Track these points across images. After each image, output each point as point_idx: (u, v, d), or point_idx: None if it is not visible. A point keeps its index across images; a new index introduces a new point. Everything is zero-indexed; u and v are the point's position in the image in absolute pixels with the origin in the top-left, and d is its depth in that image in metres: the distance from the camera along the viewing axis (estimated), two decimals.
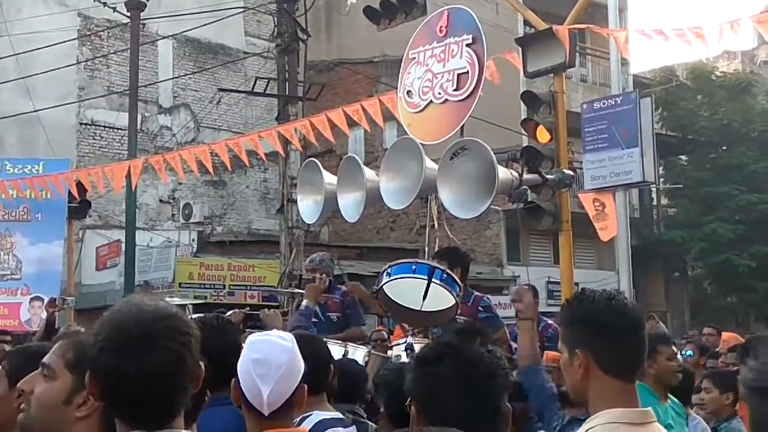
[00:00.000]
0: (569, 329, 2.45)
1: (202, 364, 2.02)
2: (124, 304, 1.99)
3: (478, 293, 6.54)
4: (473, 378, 2.35)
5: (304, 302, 6.38)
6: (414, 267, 5.17)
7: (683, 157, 26.92)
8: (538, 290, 8.92)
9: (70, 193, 14.32)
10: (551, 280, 20.16)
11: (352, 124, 11.21)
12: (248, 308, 7.55)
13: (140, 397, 1.88)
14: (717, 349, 8.35)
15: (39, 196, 14.29)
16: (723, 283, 25.41)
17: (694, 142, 25.90)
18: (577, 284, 11.53)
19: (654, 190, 25.23)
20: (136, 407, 1.89)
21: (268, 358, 2.68)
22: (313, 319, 6.37)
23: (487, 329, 5.36)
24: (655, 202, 27.72)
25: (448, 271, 5.20)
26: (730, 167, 24.71)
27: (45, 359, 2.21)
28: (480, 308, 6.24)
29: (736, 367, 6.31)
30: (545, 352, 7.15)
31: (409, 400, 2.41)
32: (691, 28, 8.56)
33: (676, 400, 4.81)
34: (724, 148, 25.80)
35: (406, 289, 5.15)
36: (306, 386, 2.78)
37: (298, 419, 3.00)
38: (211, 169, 12.81)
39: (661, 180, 24.53)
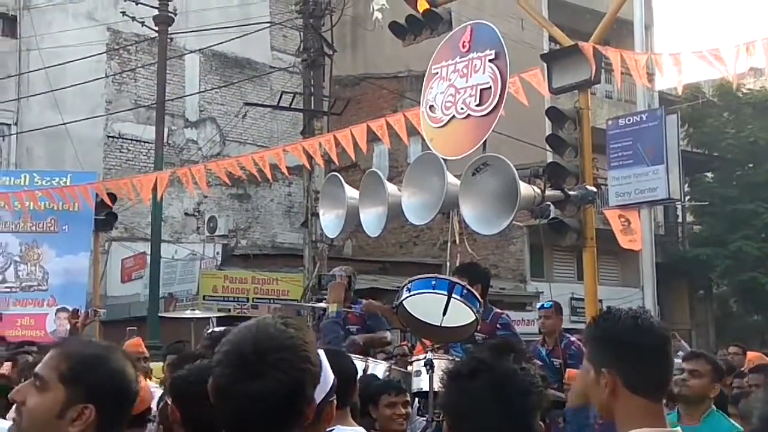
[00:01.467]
0: (595, 348, 2.44)
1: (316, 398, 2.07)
2: (252, 325, 2.03)
3: (497, 310, 6.51)
4: (506, 395, 2.33)
5: (330, 308, 6.37)
6: (434, 282, 5.17)
7: (709, 175, 26.75)
8: (562, 306, 8.93)
9: (96, 205, 14.46)
10: (575, 296, 20.06)
11: (375, 139, 11.26)
12: None
13: (239, 420, 1.91)
14: (742, 369, 8.25)
15: (68, 207, 14.44)
16: (748, 301, 25.16)
17: (720, 159, 25.73)
18: (601, 301, 11.50)
19: (679, 207, 25.07)
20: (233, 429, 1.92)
21: None
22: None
23: (521, 346, 5.33)
24: (680, 220, 27.54)
25: (468, 287, 5.19)
26: (757, 185, 24.51)
27: (37, 369, 2.12)
28: (498, 325, 6.21)
29: (758, 388, 6.24)
30: (567, 370, 7.13)
31: (441, 414, 2.40)
32: (710, 50, 8.55)
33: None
34: (751, 165, 25.62)
35: (426, 305, 5.14)
36: (335, 401, 2.79)
37: None
38: (242, 176, 12.89)
39: (687, 197, 24.39)
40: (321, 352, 2.82)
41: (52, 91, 20.82)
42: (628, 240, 11.19)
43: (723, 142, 25.35)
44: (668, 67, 9.18)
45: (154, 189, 13.50)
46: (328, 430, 3.21)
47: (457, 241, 8.08)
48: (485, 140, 7.32)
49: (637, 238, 11.31)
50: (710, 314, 27.02)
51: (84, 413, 2.04)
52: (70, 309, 11.61)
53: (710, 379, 4.97)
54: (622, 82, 21.96)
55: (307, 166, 14.82)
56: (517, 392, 2.34)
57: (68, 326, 10.71)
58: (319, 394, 2.70)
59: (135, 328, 11.52)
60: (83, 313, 10.20)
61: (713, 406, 4.99)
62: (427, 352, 5.27)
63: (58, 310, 14.38)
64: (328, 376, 2.75)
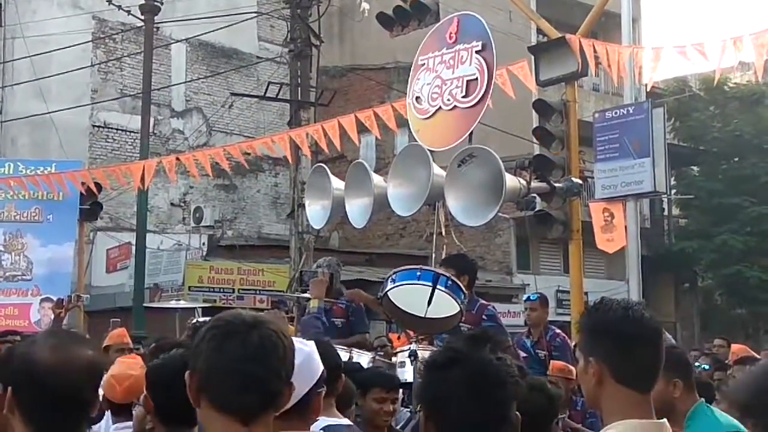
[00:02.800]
0: (585, 338, 2.45)
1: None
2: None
3: (483, 302, 6.50)
4: (482, 385, 2.32)
5: (312, 303, 6.35)
6: (419, 273, 5.16)
7: (695, 168, 26.86)
8: (548, 299, 8.94)
9: (81, 195, 14.38)
10: (561, 289, 20.11)
11: (363, 130, 11.23)
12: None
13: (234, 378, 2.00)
14: (726, 361, 8.30)
15: (52, 196, 14.36)
16: (733, 294, 25.30)
17: (706, 153, 25.84)
18: (586, 294, 11.54)
19: (665, 200, 25.15)
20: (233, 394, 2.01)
21: None
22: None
23: (499, 336, 5.32)
24: (666, 213, 27.64)
25: (453, 278, 5.18)
26: (742, 178, 24.64)
27: None
28: (484, 317, 6.20)
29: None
30: (551, 362, 7.15)
31: (419, 404, 2.40)
32: (694, 44, 8.56)
33: None
34: (736, 159, 25.74)
35: (411, 296, 5.13)
36: (324, 392, 2.78)
37: None
38: (229, 165, 12.83)
39: (673, 190, 24.47)
40: (311, 343, 2.81)
41: (37, 79, 20.68)
42: (605, 239, 11.23)
43: (709, 135, 25.47)
44: (649, 62, 9.19)
45: (142, 178, 13.45)
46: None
47: (443, 233, 8.07)
48: (471, 132, 7.31)
49: (616, 236, 11.33)
50: (695, 307, 27.15)
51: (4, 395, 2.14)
52: (55, 299, 11.54)
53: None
54: (609, 75, 21.96)
55: (290, 158, 14.69)
56: (493, 382, 2.33)
57: (52, 316, 10.65)
58: (308, 384, 2.69)
59: (119, 319, 11.46)
60: (56, 302, 10.14)
61: (699, 401, 4.91)
62: (411, 343, 5.27)
63: (42, 300, 14.29)
64: (316, 366, 2.74)
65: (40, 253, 14.73)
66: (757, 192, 24.33)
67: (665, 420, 2.40)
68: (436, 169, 6.56)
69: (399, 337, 8.51)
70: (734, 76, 23.98)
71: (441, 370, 2.38)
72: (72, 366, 2.14)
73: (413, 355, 5.03)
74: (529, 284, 21.07)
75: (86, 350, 2.19)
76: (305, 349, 2.74)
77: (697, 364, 9.00)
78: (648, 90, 17.65)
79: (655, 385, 2.42)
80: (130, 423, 4.07)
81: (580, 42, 9.77)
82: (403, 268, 5.39)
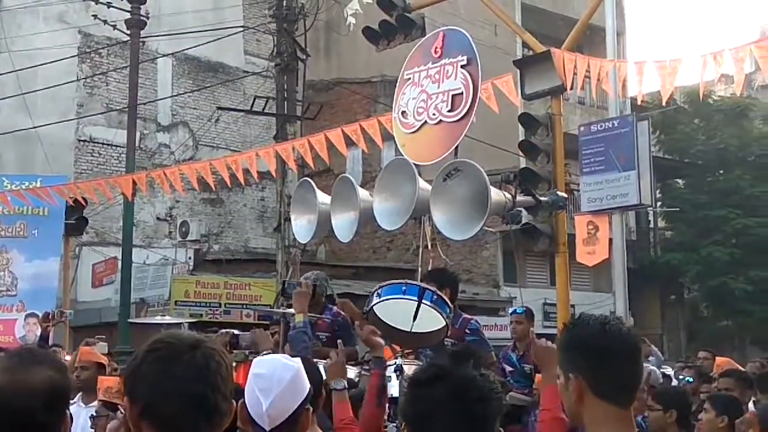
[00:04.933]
0: (564, 354, 2.45)
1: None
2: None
3: (466, 316, 6.51)
4: (465, 401, 2.33)
5: (297, 318, 6.32)
6: (404, 288, 5.16)
7: (680, 181, 26.98)
8: (534, 312, 8.95)
9: (67, 209, 14.33)
10: (547, 301, 20.13)
11: (350, 143, 11.24)
12: (236, 329, 7.53)
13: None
14: (711, 374, 8.32)
15: (37, 211, 14.31)
16: (719, 306, 25.38)
17: (691, 166, 25.98)
18: (573, 306, 11.55)
19: (651, 212, 25.26)
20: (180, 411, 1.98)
21: (270, 373, 2.73)
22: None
23: (481, 353, 5.33)
24: (651, 225, 27.75)
25: (439, 292, 5.19)
26: (727, 191, 24.78)
27: None
28: (467, 331, 6.21)
29: (730, 392, 6.29)
30: (536, 375, 7.15)
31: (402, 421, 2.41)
32: (672, 60, 8.63)
33: None
34: (721, 171, 25.89)
35: (396, 310, 5.13)
36: (311, 410, 2.79)
37: None
38: (212, 185, 12.81)
39: (658, 203, 24.58)
40: (298, 360, 2.82)
41: (23, 94, 20.60)
42: (586, 252, 11.25)
43: (694, 148, 25.61)
44: (633, 76, 9.25)
45: (134, 192, 13.39)
46: None
47: (430, 247, 8.08)
48: (457, 146, 7.32)
49: (599, 249, 11.36)
50: (681, 319, 27.22)
51: None
52: (40, 314, 11.49)
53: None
54: (595, 89, 22.06)
55: (273, 173, 14.61)
56: (476, 398, 2.34)
57: (38, 331, 10.59)
58: (296, 401, 2.70)
59: (104, 336, 11.39)
60: (43, 316, 10.09)
61: None
62: (397, 358, 5.26)
63: (27, 316, 14.23)
64: (303, 384, 2.75)
65: (25, 268, 14.67)
66: (742, 204, 24.47)
67: None
68: (422, 183, 6.57)
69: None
70: (718, 89, 24.14)
71: (424, 386, 2.38)
72: (24, 388, 2.03)
73: (399, 370, 5.03)
74: (515, 297, 21.05)
75: (45, 371, 2.07)
76: (293, 366, 2.75)
77: (681, 376, 9.04)
78: (637, 103, 17.75)
79: (654, 413, 2.46)
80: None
81: (564, 56, 9.82)
82: (388, 282, 5.39)
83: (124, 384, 2.12)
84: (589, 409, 2.35)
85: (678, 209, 25.37)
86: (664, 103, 10.93)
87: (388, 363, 5.45)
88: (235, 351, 6.91)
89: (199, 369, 2.02)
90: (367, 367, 6.15)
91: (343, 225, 7.00)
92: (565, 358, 2.43)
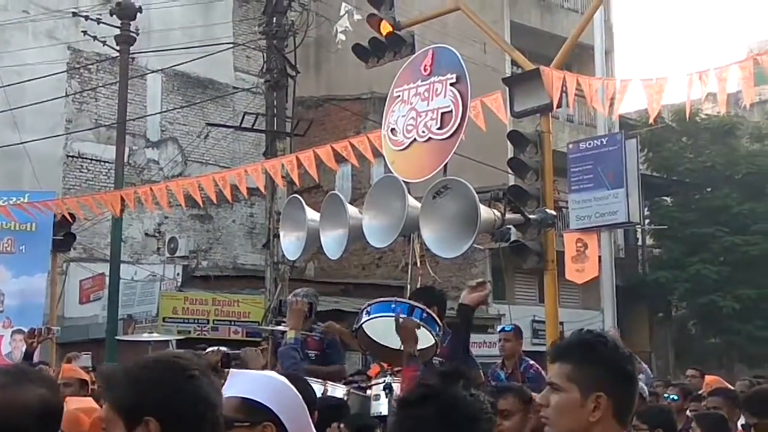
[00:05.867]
0: (587, 370, 2.39)
1: None
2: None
3: None
4: (454, 421, 2.32)
5: (288, 334, 6.30)
6: (393, 306, 5.13)
7: (668, 199, 27.10)
8: (522, 329, 8.94)
9: (54, 225, 14.26)
10: (536, 318, 20.14)
11: (339, 160, 11.24)
12: (225, 347, 7.49)
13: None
14: (699, 392, 8.32)
15: (25, 227, 14.23)
16: (707, 324, 25.46)
17: (679, 184, 26.10)
18: (562, 324, 11.55)
19: (639, 230, 25.34)
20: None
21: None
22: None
23: (472, 372, 5.31)
24: (640, 243, 27.83)
25: (428, 310, 5.17)
26: (714, 209, 24.90)
27: None
28: None
29: (718, 410, 6.29)
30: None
31: None
32: (659, 78, 8.69)
33: None
34: (709, 189, 26.03)
35: (386, 328, 5.11)
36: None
37: None
38: (200, 201, 12.77)
39: (646, 221, 24.67)
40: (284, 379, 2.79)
41: (11, 109, 20.55)
42: (575, 270, 11.28)
43: (681, 166, 25.75)
44: (618, 94, 9.31)
45: (122, 209, 13.32)
46: None
47: (419, 264, 8.07)
48: (446, 163, 7.33)
49: (588, 267, 11.38)
50: (669, 337, 27.27)
51: None
52: (26, 330, 11.41)
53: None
54: (583, 106, 22.19)
55: (263, 190, 14.55)
56: (466, 418, 2.32)
57: (24, 348, 10.51)
58: (305, 417, 2.67)
59: (89, 353, 11.33)
60: (29, 332, 10.00)
61: None
62: (386, 375, 5.24)
63: (13, 332, 14.12)
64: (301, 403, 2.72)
65: (12, 284, 14.57)
66: (730, 222, 24.58)
67: None
68: (411, 201, 6.56)
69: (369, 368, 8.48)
70: (706, 107, 24.30)
71: (414, 406, 2.37)
72: (16, 406, 2.00)
73: (388, 388, 5.01)
74: (504, 314, 21.05)
75: (37, 389, 2.04)
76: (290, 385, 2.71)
77: (666, 394, 9.04)
78: (613, 117, 17.83)
79: None
80: None
81: (553, 74, 9.87)
82: (377, 300, 5.37)
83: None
84: (603, 430, 2.34)
85: (666, 227, 25.47)
86: (651, 121, 11.01)
87: (376, 381, 5.44)
88: (227, 370, 6.86)
89: None
90: (356, 386, 6.14)
91: (332, 242, 6.98)
92: (588, 374, 2.38)
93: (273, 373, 2.75)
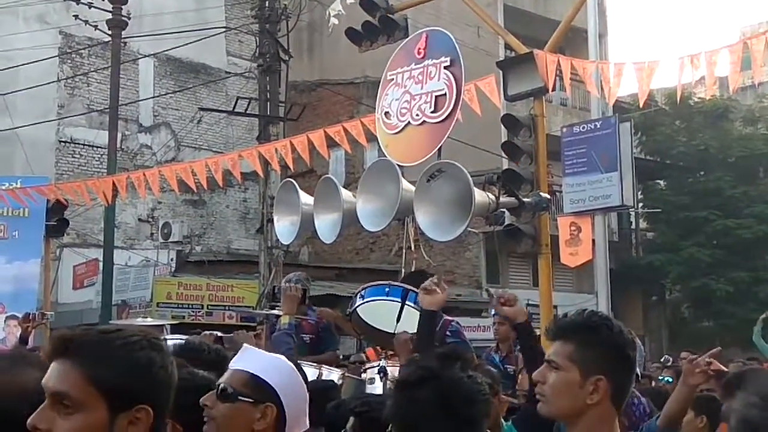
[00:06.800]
0: (590, 352, 2.38)
1: None
2: None
3: (447, 317, 6.49)
4: (453, 403, 2.32)
5: (283, 319, 6.30)
6: (387, 289, 5.15)
7: (661, 182, 27.13)
8: None
9: (47, 211, 14.22)
10: (530, 302, 20.03)
11: (333, 144, 11.21)
12: (218, 331, 7.50)
13: None
14: None
15: (18, 212, 14.19)
16: (700, 307, 25.54)
17: (672, 167, 26.13)
18: (555, 307, 11.57)
19: (633, 214, 25.37)
20: None
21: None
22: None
23: (469, 354, 5.31)
24: (633, 226, 27.88)
25: None
26: (708, 192, 24.94)
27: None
28: (447, 333, 6.18)
29: (711, 393, 6.30)
30: (519, 376, 7.13)
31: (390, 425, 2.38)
32: (650, 62, 8.67)
33: None
34: (702, 173, 26.06)
35: (380, 312, 5.12)
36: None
37: None
38: (193, 186, 12.74)
39: (640, 204, 24.70)
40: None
41: (3, 95, 20.46)
42: (568, 253, 11.30)
43: (675, 149, 25.76)
44: (612, 77, 9.29)
45: (114, 193, 13.27)
46: None
47: (413, 248, 8.07)
48: (440, 147, 7.32)
49: (582, 251, 11.40)
50: (663, 320, 27.36)
51: None
52: (20, 316, 11.39)
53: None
54: (576, 90, 22.18)
55: (261, 174, 14.60)
56: (464, 400, 2.32)
57: (18, 333, 10.49)
58: (304, 401, 2.67)
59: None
60: (23, 317, 9.98)
61: None
62: (380, 359, 5.25)
63: (7, 318, 14.10)
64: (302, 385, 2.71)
65: (5, 270, 14.54)
66: (723, 205, 24.63)
67: None
68: (405, 184, 6.55)
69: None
70: (699, 91, 24.29)
71: (411, 389, 2.37)
72: (14, 390, 1.98)
73: (383, 372, 5.02)
74: None
75: (35, 373, 1.98)
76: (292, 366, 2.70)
77: (660, 377, 9.06)
78: (609, 102, 17.83)
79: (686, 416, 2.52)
80: None
81: (547, 57, 9.84)
82: (371, 284, 5.38)
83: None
84: (598, 413, 2.34)
85: (659, 210, 25.51)
86: (641, 105, 10.97)
87: (371, 364, 5.44)
88: None
89: None
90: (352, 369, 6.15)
91: (326, 226, 6.97)
92: (592, 357, 2.37)
93: (283, 358, 2.75)
